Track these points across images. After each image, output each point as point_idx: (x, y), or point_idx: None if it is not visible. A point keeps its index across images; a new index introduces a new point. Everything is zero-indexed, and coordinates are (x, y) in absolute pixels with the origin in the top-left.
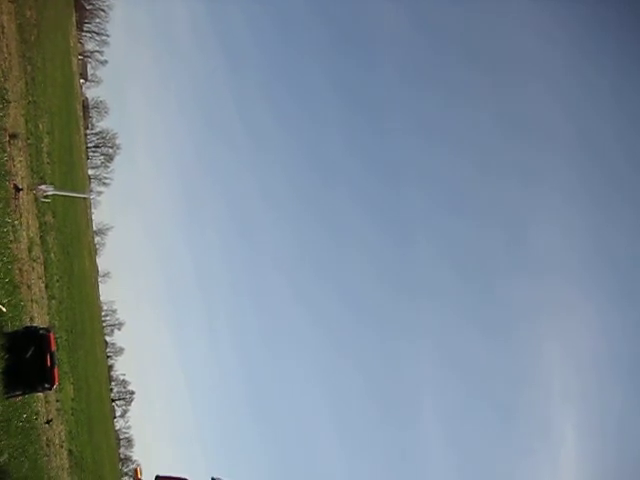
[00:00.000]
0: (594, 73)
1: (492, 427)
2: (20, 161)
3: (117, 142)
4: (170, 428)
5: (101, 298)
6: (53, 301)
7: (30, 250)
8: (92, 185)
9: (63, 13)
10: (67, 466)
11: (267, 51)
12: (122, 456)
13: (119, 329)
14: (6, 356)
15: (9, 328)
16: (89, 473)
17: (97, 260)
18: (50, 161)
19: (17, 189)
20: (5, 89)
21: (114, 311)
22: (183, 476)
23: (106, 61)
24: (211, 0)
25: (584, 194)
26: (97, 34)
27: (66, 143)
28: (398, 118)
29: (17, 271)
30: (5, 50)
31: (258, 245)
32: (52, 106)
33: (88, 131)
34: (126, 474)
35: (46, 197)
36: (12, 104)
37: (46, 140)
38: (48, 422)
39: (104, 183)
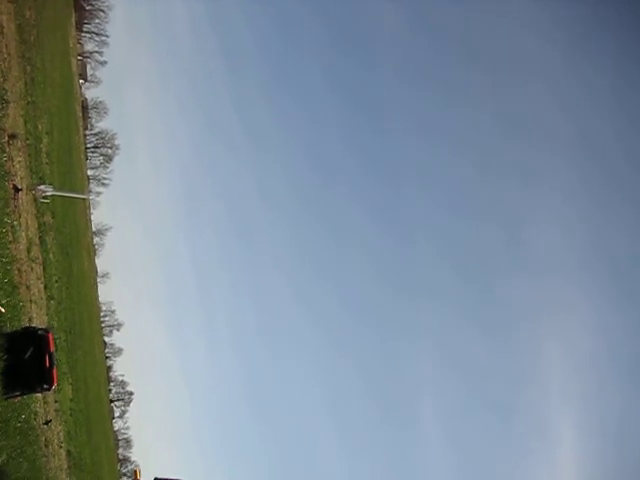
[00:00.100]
0: (594, 73)
1: (491, 427)
2: (19, 161)
3: (116, 142)
4: (169, 429)
5: (100, 299)
6: (52, 302)
7: (29, 250)
8: (91, 185)
9: (62, 13)
10: (66, 467)
11: (266, 51)
12: (121, 457)
13: (118, 330)
14: (5, 357)
15: (8, 329)
16: (88, 474)
17: (96, 261)
18: (49, 161)
19: (16, 189)
20: (4, 89)
21: (113, 312)
22: (181, 478)
23: (105, 62)
24: (211, 0)
25: (584, 194)
26: (96, 35)
27: (65, 143)
28: (398, 118)
29: (16, 271)
30: (4, 50)
31: (257, 245)
32: (51, 106)
33: (87, 131)
34: (125, 475)
35: (45, 197)
36: (11, 104)
37: (45, 140)
38: (47, 423)
39: (103, 183)
